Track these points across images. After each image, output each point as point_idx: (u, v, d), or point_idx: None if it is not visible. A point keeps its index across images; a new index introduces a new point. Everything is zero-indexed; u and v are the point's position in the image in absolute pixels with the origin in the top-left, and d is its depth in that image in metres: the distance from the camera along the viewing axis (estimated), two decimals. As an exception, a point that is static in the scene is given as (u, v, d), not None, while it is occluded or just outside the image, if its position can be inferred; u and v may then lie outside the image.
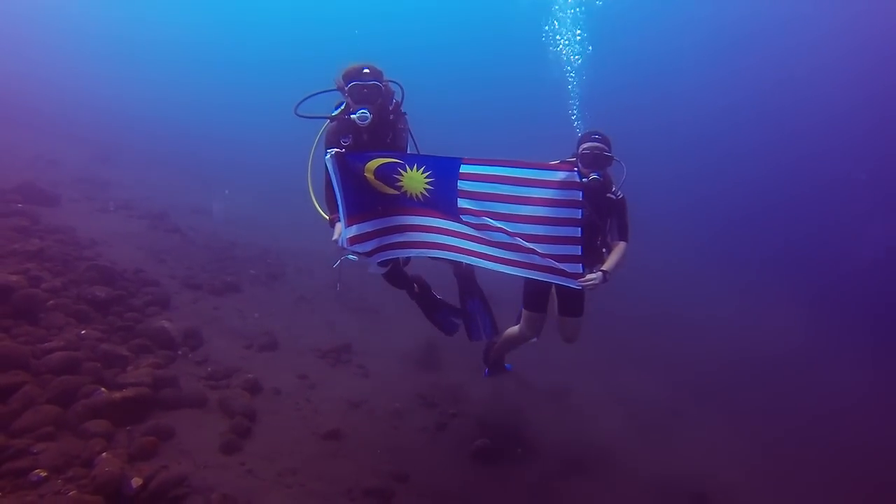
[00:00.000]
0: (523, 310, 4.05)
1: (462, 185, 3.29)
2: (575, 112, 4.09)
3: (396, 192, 3.36)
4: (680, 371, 7.21)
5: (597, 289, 3.40)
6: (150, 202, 9.24)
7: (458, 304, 4.66)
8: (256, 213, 11.13)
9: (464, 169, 3.29)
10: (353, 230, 3.39)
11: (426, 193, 3.31)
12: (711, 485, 4.60)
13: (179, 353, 4.68)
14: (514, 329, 4.34)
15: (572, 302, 3.84)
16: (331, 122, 3.59)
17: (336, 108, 3.62)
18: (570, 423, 5.21)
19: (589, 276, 3.32)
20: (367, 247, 3.47)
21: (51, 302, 4.34)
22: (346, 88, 3.44)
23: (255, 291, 7.00)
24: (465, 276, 4.51)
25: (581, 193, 3.20)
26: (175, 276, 6.39)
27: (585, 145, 3.58)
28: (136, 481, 2.95)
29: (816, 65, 19.16)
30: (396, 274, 3.81)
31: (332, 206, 3.57)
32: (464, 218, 3.34)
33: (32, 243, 5.19)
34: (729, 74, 21.64)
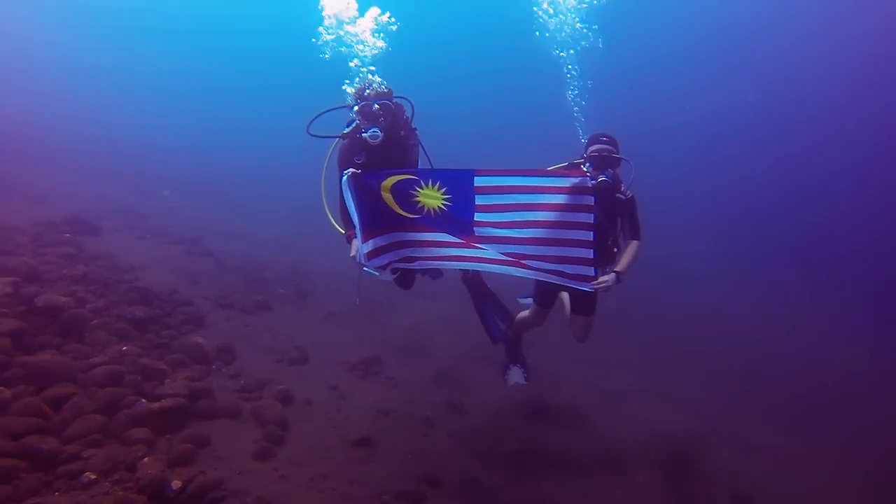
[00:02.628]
0: (534, 304, 4.13)
1: (479, 199, 3.43)
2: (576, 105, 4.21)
3: (414, 216, 3.50)
4: (726, 373, 7.06)
5: (610, 290, 3.46)
6: (184, 229, 9.89)
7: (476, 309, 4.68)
8: (286, 235, 11.66)
9: (478, 182, 3.41)
10: (370, 245, 3.52)
11: (444, 208, 3.48)
12: (758, 488, 4.45)
13: (214, 367, 4.99)
14: (524, 315, 4.40)
15: (584, 300, 3.89)
16: (342, 139, 3.77)
17: (347, 126, 3.79)
18: (607, 426, 5.17)
19: (601, 279, 3.39)
20: (383, 260, 3.60)
21: (95, 321, 4.75)
22: (357, 108, 3.62)
23: (284, 309, 7.34)
24: (474, 282, 4.56)
25: (593, 198, 3.28)
26: (208, 296, 6.80)
27: (593, 147, 3.67)
28: (176, 484, 3.19)
29: (817, 62, 19.99)
30: (405, 278, 3.97)
31: (347, 223, 3.72)
32: (478, 231, 3.46)
33: (78, 269, 5.70)
34: (733, 71, 22.37)
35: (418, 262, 3.65)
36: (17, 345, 4.01)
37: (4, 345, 3.88)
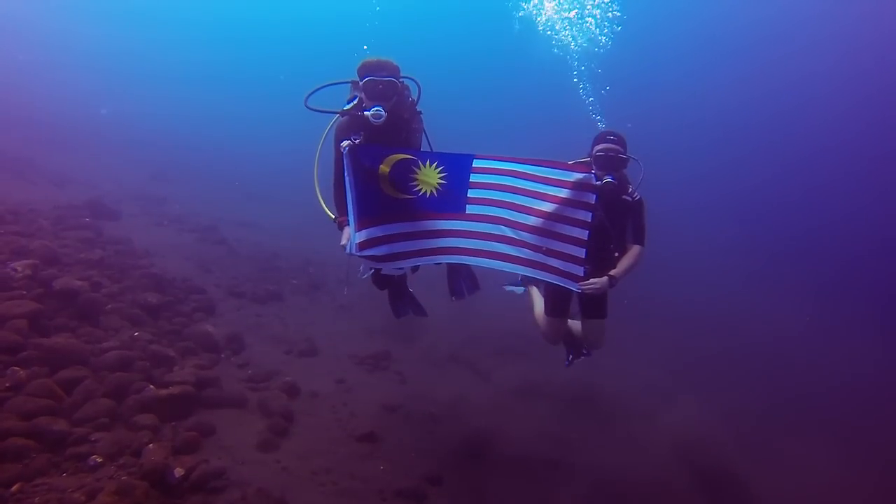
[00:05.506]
0: (545, 316, 4.04)
1: (474, 177, 3.45)
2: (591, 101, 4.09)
3: (409, 196, 3.47)
4: (740, 374, 7.11)
5: (600, 292, 3.40)
6: (199, 216, 10.12)
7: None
8: (300, 224, 11.77)
9: (476, 164, 3.45)
10: (363, 235, 3.44)
11: (439, 188, 3.47)
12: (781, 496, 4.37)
13: (222, 356, 5.10)
14: (538, 323, 4.24)
15: (593, 303, 3.80)
16: (341, 116, 3.57)
17: (348, 103, 3.59)
18: (627, 430, 5.13)
19: (591, 281, 3.33)
20: (377, 252, 3.51)
21: (109, 306, 4.91)
22: (361, 83, 3.47)
23: (296, 300, 7.45)
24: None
25: (595, 196, 3.22)
26: (220, 284, 6.95)
27: (600, 147, 3.52)
28: (179, 471, 3.28)
29: (825, 66, 20.14)
30: (382, 278, 3.97)
31: (340, 207, 3.61)
32: (470, 208, 3.44)
33: (95, 253, 5.89)
34: (743, 74, 22.43)
35: (414, 257, 3.59)
36: (34, 327, 4.16)
37: (21, 326, 4.03)
